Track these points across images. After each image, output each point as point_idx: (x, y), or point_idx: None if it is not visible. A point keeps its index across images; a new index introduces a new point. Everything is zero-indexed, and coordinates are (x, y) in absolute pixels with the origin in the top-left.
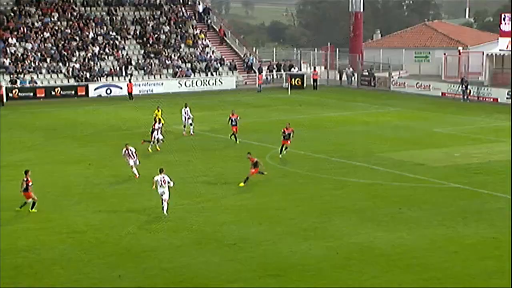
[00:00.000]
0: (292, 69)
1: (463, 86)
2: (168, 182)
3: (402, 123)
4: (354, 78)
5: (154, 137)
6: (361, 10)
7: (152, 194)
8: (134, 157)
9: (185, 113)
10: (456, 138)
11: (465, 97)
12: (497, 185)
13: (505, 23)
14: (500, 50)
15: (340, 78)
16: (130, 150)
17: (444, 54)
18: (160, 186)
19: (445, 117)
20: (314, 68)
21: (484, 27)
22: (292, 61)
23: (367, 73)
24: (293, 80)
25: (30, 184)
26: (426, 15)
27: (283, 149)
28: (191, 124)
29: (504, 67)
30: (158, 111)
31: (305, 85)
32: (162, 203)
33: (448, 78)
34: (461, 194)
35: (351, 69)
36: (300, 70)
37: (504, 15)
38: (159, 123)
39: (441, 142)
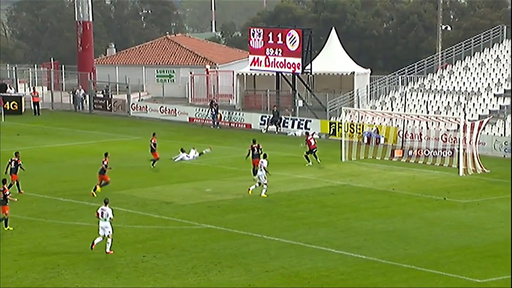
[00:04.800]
0: (7, 90)
1: (213, 110)
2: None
3: (144, 155)
4: (86, 101)
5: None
6: (90, 19)
7: None
8: None
9: None
10: (207, 171)
11: (216, 122)
12: (254, 224)
13: (255, 39)
14: (251, 69)
15: (71, 101)
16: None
17: (191, 73)
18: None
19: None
20: (34, 89)
21: (232, 42)
22: (6, 80)
23: (101, 95)
24: (7, 103)
25: (7, 193)
26: (167, 28)
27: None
28: None
29: (257, 88)
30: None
31: (23, 109)
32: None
33: (196, 101)
34: (214, 236)
35: (81, 90)
36: (17, 91)
37: (253, 30)
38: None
39: (190, 175)
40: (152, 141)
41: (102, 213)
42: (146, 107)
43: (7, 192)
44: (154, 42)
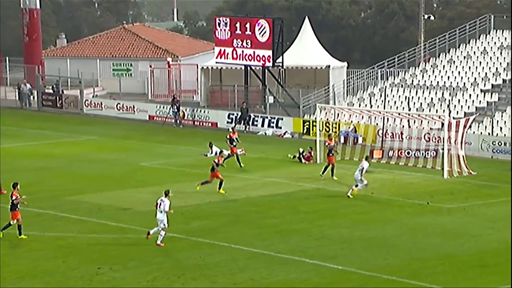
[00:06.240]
0: None
1: (175, 107)
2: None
3: (99, 156)
4: (34, 97)
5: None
6: (37, 6)
7: None
8: None
9: None
10: (168, 174)
11: (178, 121)
12: (220, 232)
13: (221, 29)
14: (216, 62)
15: (16, 97)
16: None
17: (150, 66)
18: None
19: (155, 147)
20: None
21: (196, 33)
22: None
23: (51, 91)
24: None
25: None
26: (124, 16)
27: None
28: None
29: (223, 83)
30: None
31: None
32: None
33: (156, 98)
34: (177, 245)
35: (28, 85)
36: None
37: (219, 19)
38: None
39: (150, 179)
40: (216, 160)
41: (160, 204)
42: (101, 104)
43: (16, 197)
44: (109, 32)
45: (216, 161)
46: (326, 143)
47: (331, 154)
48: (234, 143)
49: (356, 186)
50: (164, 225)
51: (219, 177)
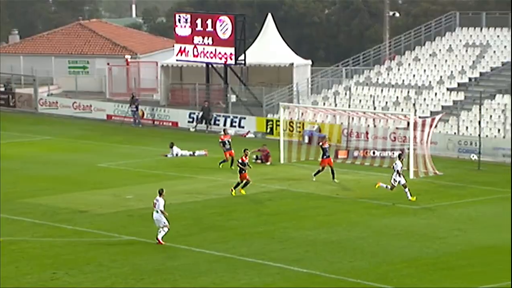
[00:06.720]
0: None
1: (134, 106)
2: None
3: (55, 157)
4: None
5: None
6: None
7: None
8: None
9: None
10: (127, 175)
11: (137, 120)
12: (181, 235)
13: (181, 26)
14: (177, 60)
15: None
16: None
17: (108, 64)
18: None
19: (113, 148)
20: None
21: (155, 30)
22: None
23: (3, 89)
24: None
25: None
26: (80, 12)
27: None
28: None
29: (184, 81)
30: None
31: None
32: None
33: (114, 96)
34: (136, 248)
35: None
36: None
37: (179, 16)
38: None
39: (109, 180)
40: (240, 160)
41: (155, 203)
42: (57, 102)
43: None
44: (65, 29)
45: (240, 161)
46: (320, 143)
47: (325, 157)
48: (228, 146)
49: (405, 187)
50: (164, 223)
51: (246, 178)
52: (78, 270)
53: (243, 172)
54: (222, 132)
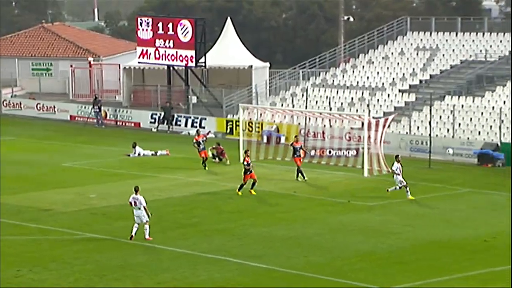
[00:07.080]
0: None
1: (97, 107)
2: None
3: (19, 157)
4: None
5: None
6: None
7: None
8: None
9: None
10: (91, 174)
11: (100, 121)
12: (143, 233)
13: (143, 29)
14: (139, 62)
15: None
16: None
17: (71, 66)
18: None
19: (76, 148)
20: None
21: (118, 33)
22: None
23: None
24: None
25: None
26: (44, 15)
27: None
28: None
29: (146, 83)
30: None
31: None
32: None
33: (77, 97)
34: (99, 246)
35: None
36: None
37: (141, 19)
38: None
39: (72, 180)
40: (245, 162)
41: (135, 202)
42: (20, 103)
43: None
44: (28, 32)
45: (246, 162)
46: (293, 144)
47: (296, 156)
48: (202, 146)
49: (406, 188)
50: (146, 219)
51: (254, 178)
52: (42, 268)
53: (249, 173)
54: (195, 133)
